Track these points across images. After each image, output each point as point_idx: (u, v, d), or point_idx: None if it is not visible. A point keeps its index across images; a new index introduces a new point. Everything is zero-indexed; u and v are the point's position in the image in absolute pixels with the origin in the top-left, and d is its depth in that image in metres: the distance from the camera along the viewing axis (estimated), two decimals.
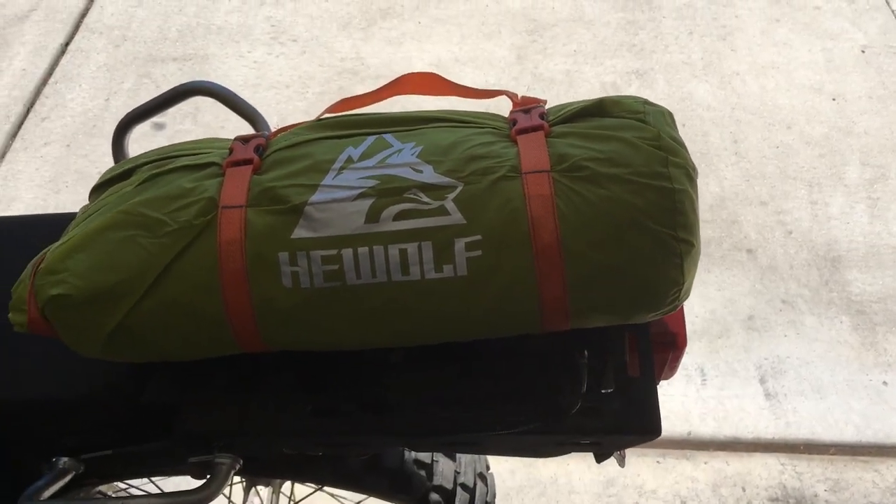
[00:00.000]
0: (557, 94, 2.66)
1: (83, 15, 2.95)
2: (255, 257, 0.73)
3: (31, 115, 2.60)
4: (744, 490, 1.82)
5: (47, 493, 0.82)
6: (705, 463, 1.87)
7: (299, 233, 0.72)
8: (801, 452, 1.88)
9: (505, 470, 1.82)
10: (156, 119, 2.52)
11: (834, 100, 2.64)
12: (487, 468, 1.37)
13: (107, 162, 2.50)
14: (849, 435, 1.89)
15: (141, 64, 2.76)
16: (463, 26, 2.92)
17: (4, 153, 2.49)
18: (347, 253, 0.71)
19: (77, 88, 2.68)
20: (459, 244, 0.71)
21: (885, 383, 1.98)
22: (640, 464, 1.87)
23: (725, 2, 3.01)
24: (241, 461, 0.82)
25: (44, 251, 0.77)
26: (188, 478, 1.11)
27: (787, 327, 2.10)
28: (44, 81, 2.70)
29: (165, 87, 2.66)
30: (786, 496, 1.81)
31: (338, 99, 0.79)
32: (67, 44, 2.84)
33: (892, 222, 2.30)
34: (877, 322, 2.10)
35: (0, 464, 0.91)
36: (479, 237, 0.71)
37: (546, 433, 0.80)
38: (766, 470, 1.85)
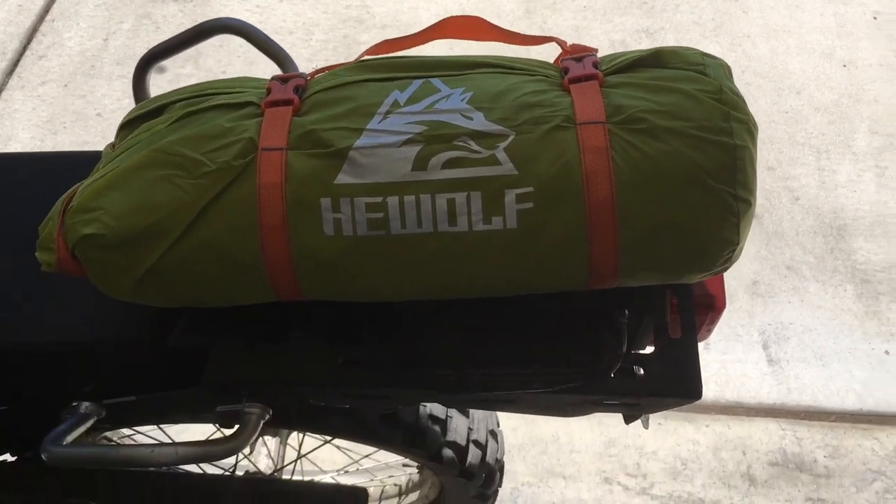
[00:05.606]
0: None
1: None
2: (295, 202, 0.70)
3: (27, 52, 2.53)
4: (744, 454, 1.83)
5: (70, 438, 0.79)
6: (707, 426, 1.87)
7: (343, 178, 0.69)
8: (802, 418, 1.89)
9: (507, 427, 1.82)
10: None
11: (845, 66, 2.61)
12: (498, 425, 1.36)
13: (105, 104, 2.45)
14: (850, 403, 1.90)
15: (140, 4, 2.68)
16: None
17: (1, 91, 2.42)
18: (393, 201, 0.69)
19: (75, 27, 2.60)
20: (510, 196, 0.68)
21: (887, 352, 1.98)
22: (641, 425, 1.87)
23: None
24: (271, 411, 0.80)
25: (73, 188, 0.74)
26: (193, 426, 1.09)
27: (792, 294, 2.09)
28: (41, 18, 2.62)
29: (166, 29, 2.61)
30: (785, 461, 1.82)
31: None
32: None
33: None
34: (881, 291, 2.10)
35: (20, 409, 0.88)
36: (530, 189, 0.68)
37: (585, 393, 0.78)
38: (766, 435, 1.86)
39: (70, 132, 2.32)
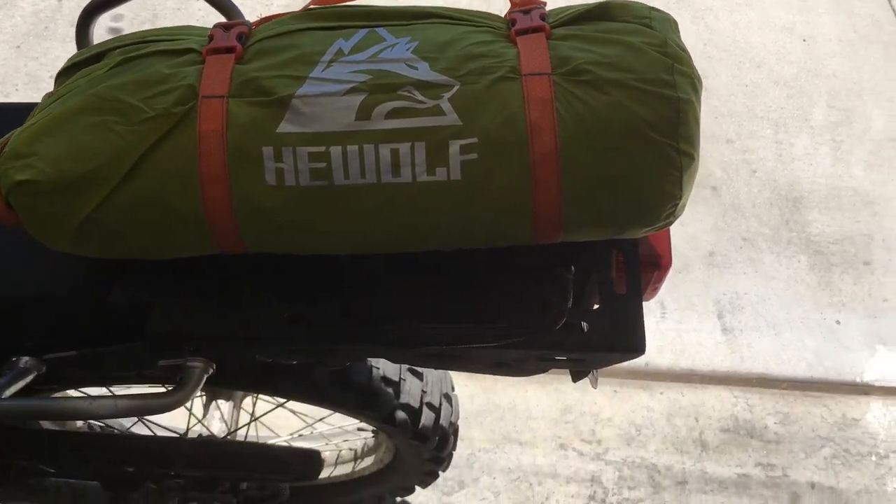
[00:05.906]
0: None
1: None
2: (236, 151, 0.69)
3: None
4: (697, 420, 1.85)
5: (7, 392, 0.78)
6: (661, 393, 1.90)
7: (285, 127, 0.68)
8: (754, 386, 1.92)
9: (464, 395, 1.83)
10: (111, 24, 2.41)
11: (805, 41, 2.64)
12: (452, 388, 1.37)
13: (59, 66, 2.39)
14: (801, 371, 1.94)
15: None
16: None
17: None
18: (336, 150, 0.68)
19: None
20: (454, 146, 0.68)
21: (837, 322, 2.02)
22: (596, 392, 1.89)
23: None
24: (214, 366, 0.79)
25: (7, 135, 0.72)
26: (145, 389, 1.08)
27: (747, 265, 2.12)
28: None
29: None
30: (737, 427, 1.84)
31: None
32: None
33: (854, 165, 2.33)
34: (833, 262, 2.13)
35: None
36: (474, 140, 0.68)
37: (530, 348, 0.78)
38: (719, 402, 1.89)
39: (22, 94, 2.27)
